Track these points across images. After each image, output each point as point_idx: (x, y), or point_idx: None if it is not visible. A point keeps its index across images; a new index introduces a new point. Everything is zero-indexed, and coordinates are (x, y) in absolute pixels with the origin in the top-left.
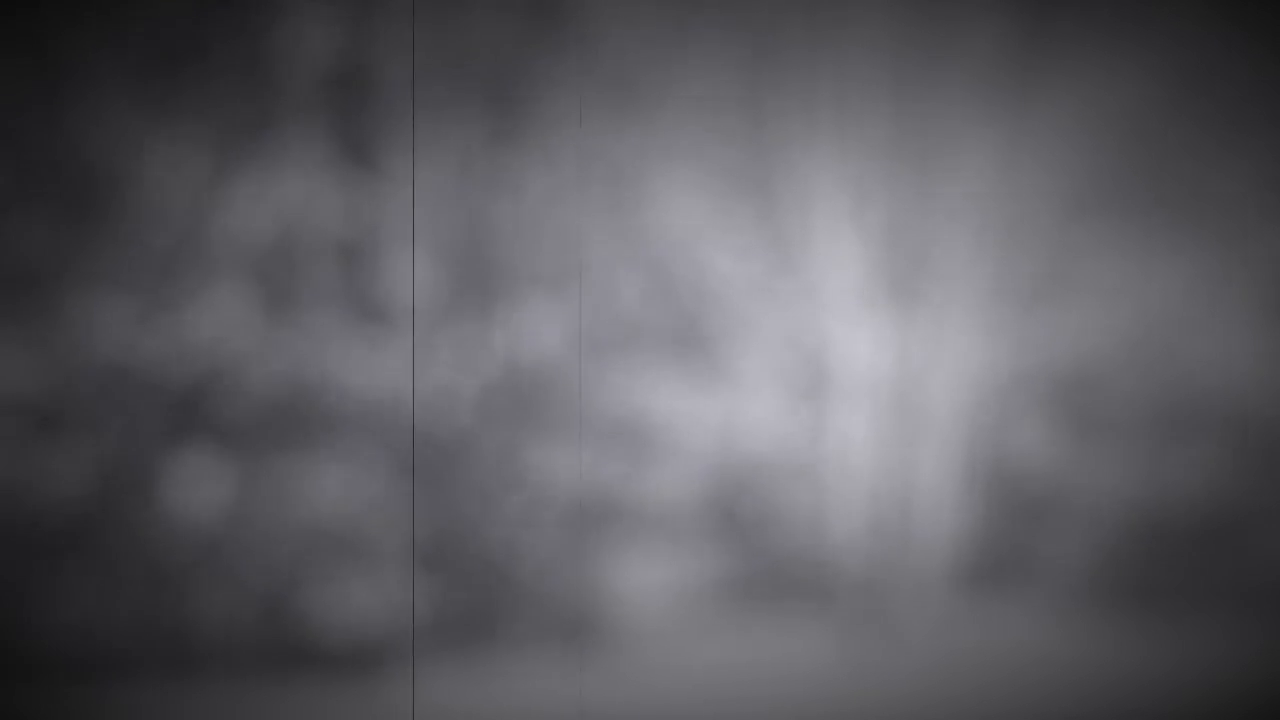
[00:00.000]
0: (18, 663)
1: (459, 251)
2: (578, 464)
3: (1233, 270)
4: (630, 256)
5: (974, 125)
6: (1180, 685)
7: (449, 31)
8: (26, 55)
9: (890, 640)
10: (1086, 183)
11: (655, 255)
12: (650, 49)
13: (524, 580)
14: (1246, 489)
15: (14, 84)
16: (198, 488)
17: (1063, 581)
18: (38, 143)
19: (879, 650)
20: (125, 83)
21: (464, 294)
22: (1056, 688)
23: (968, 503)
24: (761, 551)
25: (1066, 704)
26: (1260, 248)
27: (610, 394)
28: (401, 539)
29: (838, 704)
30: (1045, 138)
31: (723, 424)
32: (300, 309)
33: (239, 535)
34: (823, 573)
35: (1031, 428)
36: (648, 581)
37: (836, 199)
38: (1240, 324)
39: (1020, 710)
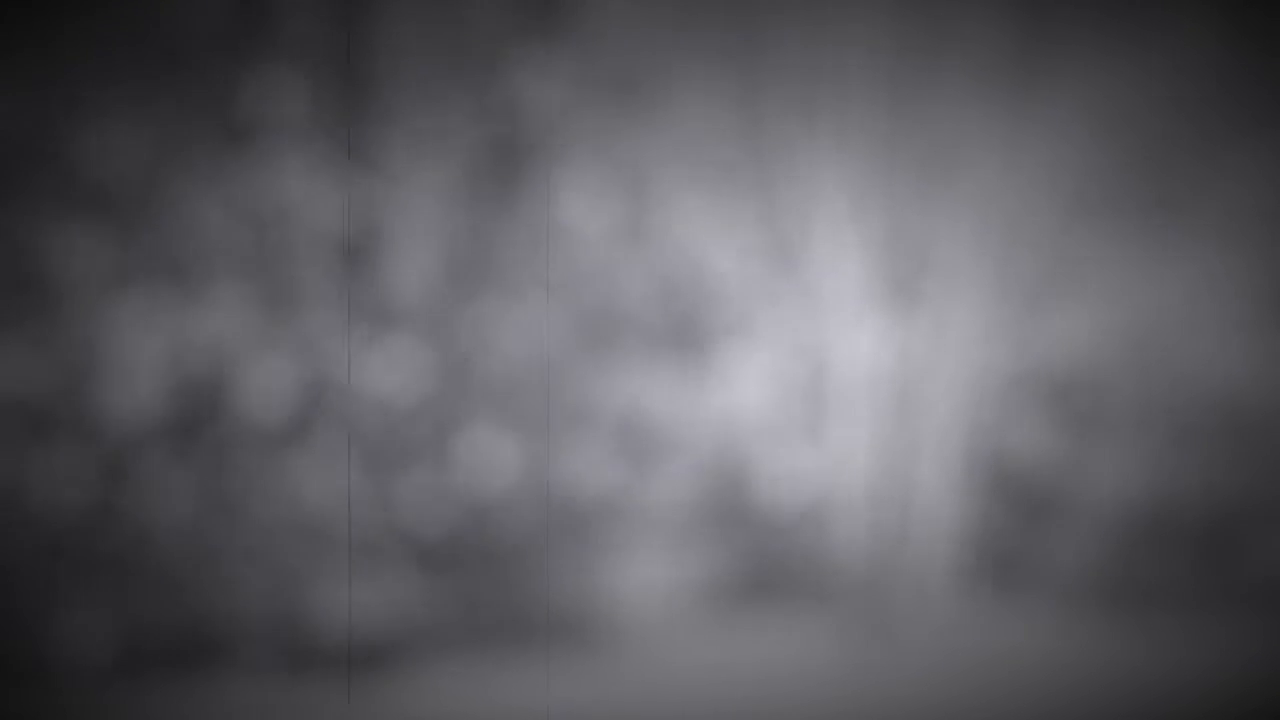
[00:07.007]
0: (17, 663)
1: (455, 251)
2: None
3: (1233, 270)
4: (629, 256)
5: (974, 125)
6: (1180, 685)
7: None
8: (27, 50)
9: (890, 640)
10: (1087, 182)
11: (654, 254)
12: (649, 48)
13: (527, 580)
14: (1246, 488)
15: (13, 80)
16: (195, 487)
17: (1063, 581)
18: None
19: (879, 650)
20: (129, 81)
21: (458, 292)
22: (1056, 688)
23: (968, 502)
24: (761, 551)
25: (1066, 704)
26: (1260, 248)
27: (610, 394)
28: (401, 539)
29: (837, 704)
30: (1046, 138)
31: (722, 423)
32: (299, 309)
33: (240, 535)
34: (823, 573)
35: (1032, 427)
36: (646, 581)
37: (836, 199)
38: (1240, 324)
39: (1020, 710)
